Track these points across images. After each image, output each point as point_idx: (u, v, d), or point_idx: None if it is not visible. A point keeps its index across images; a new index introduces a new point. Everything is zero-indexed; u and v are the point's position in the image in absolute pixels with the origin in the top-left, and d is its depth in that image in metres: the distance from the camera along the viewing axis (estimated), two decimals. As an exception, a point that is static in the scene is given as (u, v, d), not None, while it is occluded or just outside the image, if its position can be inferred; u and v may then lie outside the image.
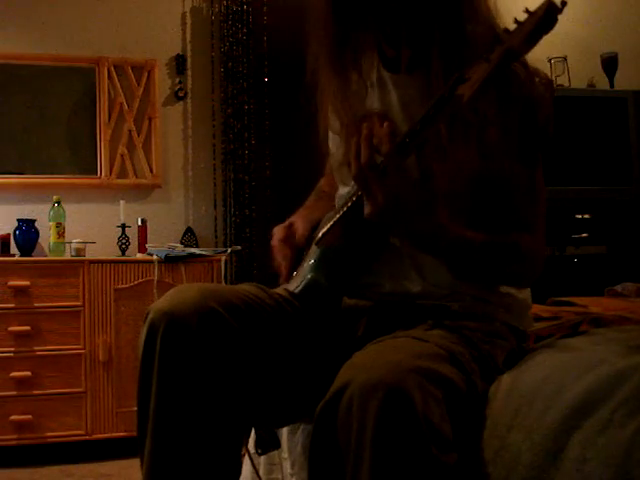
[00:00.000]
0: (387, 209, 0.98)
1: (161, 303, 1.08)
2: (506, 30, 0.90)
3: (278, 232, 1.31)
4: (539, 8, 0.87)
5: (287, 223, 1.33)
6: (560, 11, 0.86)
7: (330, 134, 1.28)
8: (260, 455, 1.31)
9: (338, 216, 1.16)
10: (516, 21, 0.90)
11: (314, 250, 1.24)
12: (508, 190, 1.12)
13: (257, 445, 1.23)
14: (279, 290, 1.25)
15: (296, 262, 1.28)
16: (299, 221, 1.32)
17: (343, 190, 1.28)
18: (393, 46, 1.18)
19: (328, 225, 1.20)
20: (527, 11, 0.89)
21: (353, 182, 1.20)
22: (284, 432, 1.38)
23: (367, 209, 1.00)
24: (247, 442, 1.37)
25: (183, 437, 1.04)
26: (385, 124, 0.99)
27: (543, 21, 0.86)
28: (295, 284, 1.22)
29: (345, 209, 1.14)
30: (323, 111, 1.27)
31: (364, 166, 0.98)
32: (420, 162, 0.99)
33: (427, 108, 0.96)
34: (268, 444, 1.23)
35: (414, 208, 0.99)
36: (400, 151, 0.97)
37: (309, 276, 1.20)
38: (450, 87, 0.93)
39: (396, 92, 1.18)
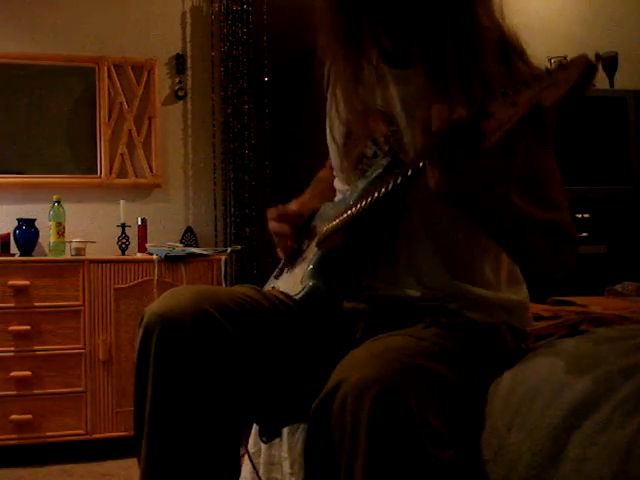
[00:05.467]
0: (472, 180, 0.88)
1: (156, 306, 1.08)
2: (535, 76, 0.81)
3: (272, 212, 1.32)
4: (575, 65, 0.78)
5: (283, 206, 1.34)
6: (597, 68, 0.77)
7: (336, 124, 1.27)
8: (265, 443, 1.31)
9: (343, 219, 1.15)
10: (547, 71, 0.81)
11: (313, 252, 1.24)
12: (537, 174, 1.10)
13: (261, 434, 1.22)
14: (275, 291, 1.25)
15: (294, 238, 1.29)
16: (293, 203, 1.34)
17: (343, 186, 1.27)
18: (395, 40, 1.18)
19: (331, 228, 1.19)
20: (560, 64, 0.80)
21: (348, 185, 1.20)
22: (284, 432, 1.38)
23: (436, 180, 0.88)
24: (247, 442, 1.37)
25: (179, 440, 1.04)
26: (378, 119, 0.95)
27: (579, 84, 0.77)
28: (295, 290, 1.22)
29: (351, 214, 1.12)
30: (333, 101, 1.26)
31: (444, 125, 0.86)
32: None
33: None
34: (272, 433, 1.23)
35: (495, 180, 0.90)
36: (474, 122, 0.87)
37: (310, 283, 1.19)
38: (471, 119, 0.85)
39: (396, 87, 1.18)
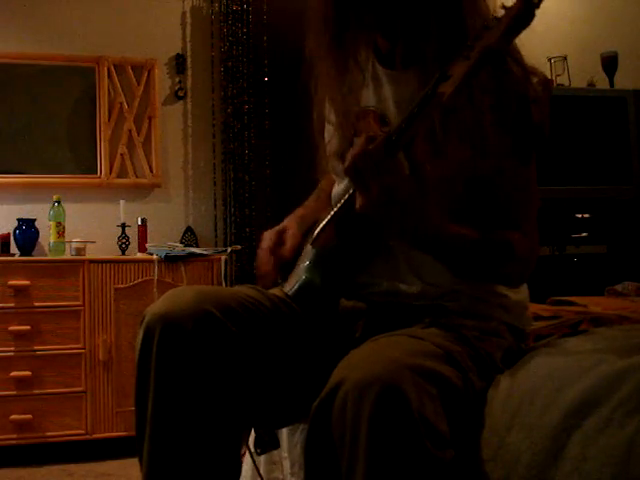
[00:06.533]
0: (379, 202, 0.97)
1: (157, 306, 1.08)
2: (485, 26, 0.90)
3: (266, 239, 1.30)
4: (515, 3, 0.86)
5: (279, 228, 1.31)
6: (537, 5, 0.85)
7: (326, 125, 1.28)
8: (259, 455, 1.32)
9: (331, 214, 1.16)
10: (494, 17, 0.89)
11: (309, 250, 1.24)
12: (501, 188, 1.12)
13: (256, 445, 1.23)
14: (276, 291, 1.25)
15: (283, 271, 1.28)
16: (292, 228, 1.31)
17: (338, 188, 1.28)
18: (389, 41, 1.18)
19: (322, 224, 1.20)
20: (504, 7, 0.88)
21: (346, 178, 1.20)
22: (284, 432, 1.38)
23: (359, 202, 0.99)
24: (247, 441, 1.37)
25: (181, 439, 1.04)
26: (371, 120, 0.99)
27: (520, 16, 0.86)
28: (290, 285, 1.22)
29: (338, 207, 1.13)
30: (319, 101, 1.26)
31: (355, 158, 0.97)
32: (409, 159, 0.98)
33: (412, 106, 0.96)
34: (267, 444, 1.23)
35: (406, 203, 0.98)
36: (387, 147, 0.97)
37: (303, 277, 1.20)
38: (433, 85, 0.93)
39: (390, 88, 1.18)
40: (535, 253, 1.14)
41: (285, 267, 1.29)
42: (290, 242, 1.28)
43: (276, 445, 1.24)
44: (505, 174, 1.10)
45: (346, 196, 1.10)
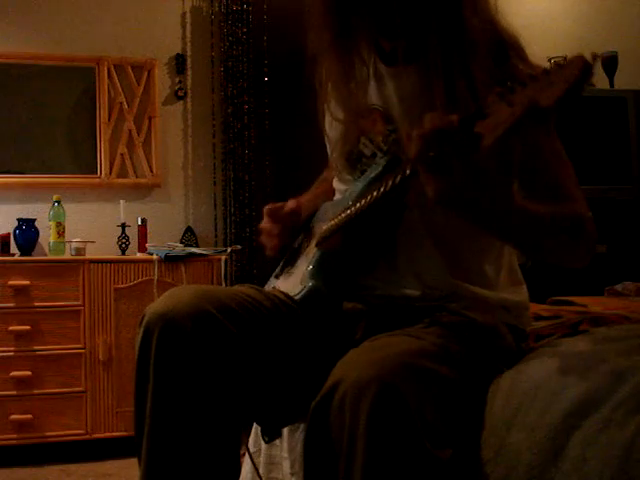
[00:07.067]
0: (466, 185, 0.86)
1: (156, 306, 1.08)
2: (532, 76, 0.82)
3: (267, 210, 1.33)
4: (572, 65, 0.79)
5: (279, 204, 1.34)
6: (593, 68, 0.78)
7: (329, 123, 1.27)
8: (266, 443, 1.32)
9: (342, 220, 1.15)
10: (544, 71, 0.81)
11: (313, 251, 1.24)
12: (543, 167, 1.08)
13: (263, 433, 1.23)
14: (275, 291, 1.25)
15: (285, 238, 1.31)
16: (291, 201, 1.34)
17: (341, 186, 1.27)
18: (389, 38, 1.17)
19: (330, 227, 1.19)
20: (557, 64, 0.81)
21: (346, 185, 1.20)
22: (284, 432, 1.38)
23: (433, 189, 0.87)
24: (247, 441, 1.37)
25: (179, 439, 1.04)
26: (377, 118, 0.95)
27: (576, 84, 0.78)
28: (295, 290, 1.22)
29: (350, 214, 1.12)
30: (325, 99, 1.25)
31: (430, 137, 0.84)
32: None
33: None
34: (273, 433, 1.23)
35: (495, 183, 0.89)
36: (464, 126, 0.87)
37: (310, 284, 1.20)
38: (469, 119, 0.84)
39: (393, 85, 1.18)
40: (592, 222, 1.08)
41: (282, 249, 1.32)
42: (292, 203, 1.33)
43: (280, 433, 1.24)
44: (531, 146, 1.06)
45: (362, 202, 1.08)
